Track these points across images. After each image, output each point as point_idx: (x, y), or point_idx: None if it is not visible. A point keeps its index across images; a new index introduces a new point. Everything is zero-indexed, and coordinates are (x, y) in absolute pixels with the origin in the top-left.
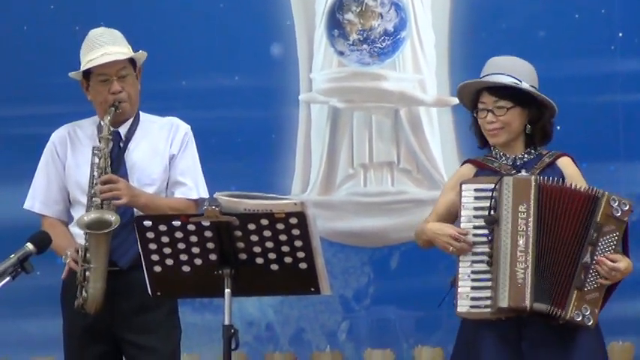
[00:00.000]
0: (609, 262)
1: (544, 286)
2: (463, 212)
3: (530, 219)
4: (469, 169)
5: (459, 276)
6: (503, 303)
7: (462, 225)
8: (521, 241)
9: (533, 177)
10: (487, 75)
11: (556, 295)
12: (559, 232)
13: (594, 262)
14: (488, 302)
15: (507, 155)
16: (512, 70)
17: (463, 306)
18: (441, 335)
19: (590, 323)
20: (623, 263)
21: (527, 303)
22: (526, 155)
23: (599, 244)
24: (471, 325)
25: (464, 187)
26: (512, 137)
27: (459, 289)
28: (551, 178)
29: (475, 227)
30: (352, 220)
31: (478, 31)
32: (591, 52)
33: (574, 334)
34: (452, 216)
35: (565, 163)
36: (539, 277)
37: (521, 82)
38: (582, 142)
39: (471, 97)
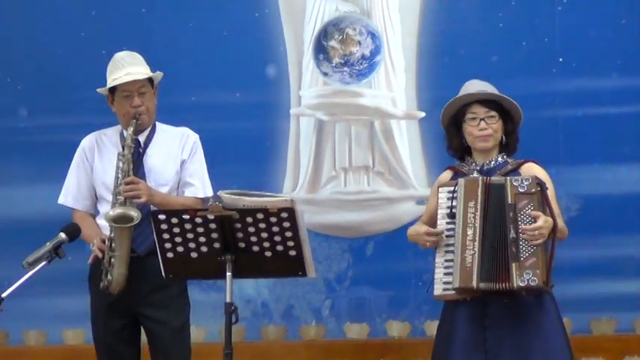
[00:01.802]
0: (529, 227)
1: (489, 268)
2: (439, 211)
3: (478, 213)
4: (447, 174)
5: (435, 264)
6: (455, 284)
7: (438, 222)
8: (470, 232)
9: (480, 177)
10: (476, 92)
11: (499, 273)
12: (497, 221)
13: (520, 234)
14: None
15: (477, 162)
16: (489, 89)
17: (438, 289)
18: (409, 311)
19: (535, 284)
20: (540, 220)
21: (474, 283)
22: (492, 162)
23: (519, 218)
24: (448, 306)
25: (440, 189)
26: (495, 144)
27: (435, 276)
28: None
29: (447, 223)
30: (334, 214)
31: (441, 56)
32: (536, 74)
33: (529, 309)
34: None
35: (530, 167)
36: (486, 261)
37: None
38: (528, 149)
39: (452, 114)
